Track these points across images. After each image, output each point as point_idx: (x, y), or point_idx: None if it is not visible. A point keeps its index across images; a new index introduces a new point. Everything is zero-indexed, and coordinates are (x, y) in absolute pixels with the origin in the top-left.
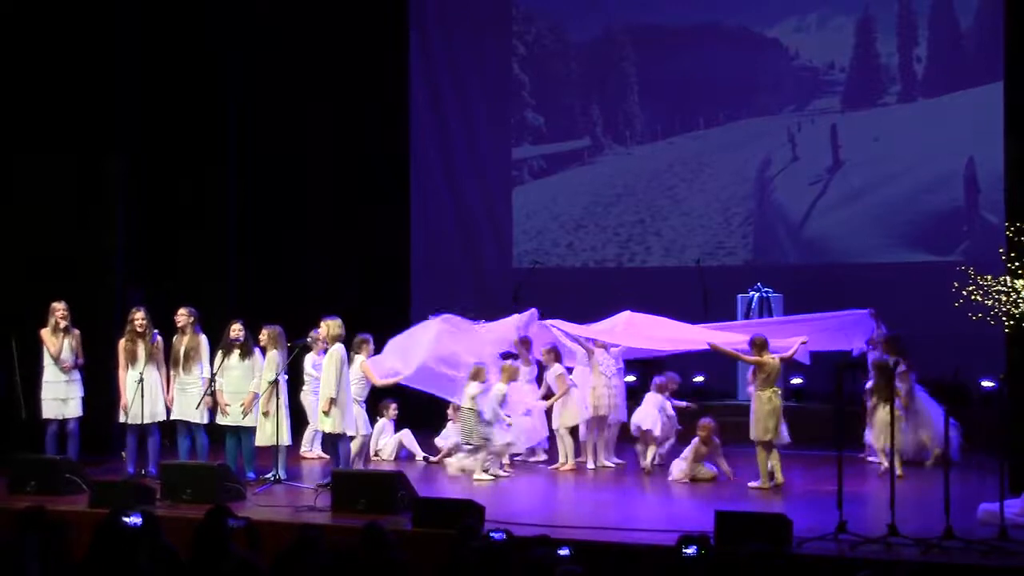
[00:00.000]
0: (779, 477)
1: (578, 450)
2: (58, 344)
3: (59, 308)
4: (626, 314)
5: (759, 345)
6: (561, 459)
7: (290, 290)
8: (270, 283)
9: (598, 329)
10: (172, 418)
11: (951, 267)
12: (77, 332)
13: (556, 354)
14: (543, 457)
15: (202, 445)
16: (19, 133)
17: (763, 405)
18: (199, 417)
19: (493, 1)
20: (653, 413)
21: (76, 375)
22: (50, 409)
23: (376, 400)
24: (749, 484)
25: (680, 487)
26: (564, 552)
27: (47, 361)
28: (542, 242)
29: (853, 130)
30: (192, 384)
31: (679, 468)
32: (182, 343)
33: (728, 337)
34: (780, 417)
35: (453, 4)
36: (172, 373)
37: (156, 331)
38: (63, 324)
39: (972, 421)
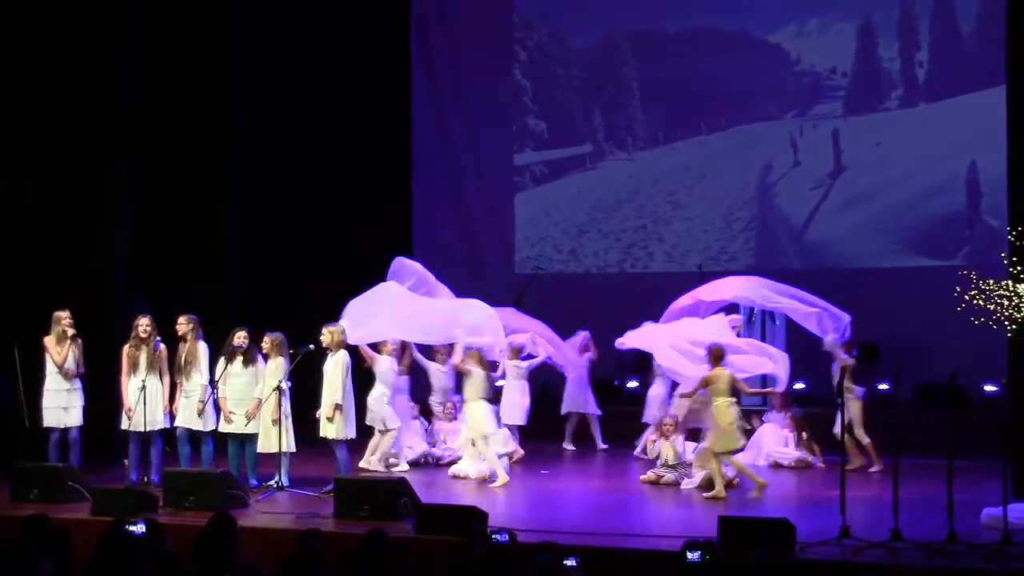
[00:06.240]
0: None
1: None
2: (63, 353)
3: (64, 317)
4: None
5: (715, 355)
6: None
7: (292, 296)
8: (272, 289)
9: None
10: (175, 425)
11: (953, 272)
12: (80, 341)
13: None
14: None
15: (208, 453)
16: (23, 138)
17: (719, 415)
18: (202, 424)
19: (494, 7)
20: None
21: (78, 383)
22: (52, 417)
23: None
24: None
25: (686, 493)
26: (571, 563)
27: (50, 369)
28: (544, 248)
29: (855, 135)
30: (194, 391)
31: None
32: (183, 350)
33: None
34: (733, 428)
35: (454, 10)
36: (177, 381)
37: (159, 339)
38: (70, 332)
39: (974, 426)
